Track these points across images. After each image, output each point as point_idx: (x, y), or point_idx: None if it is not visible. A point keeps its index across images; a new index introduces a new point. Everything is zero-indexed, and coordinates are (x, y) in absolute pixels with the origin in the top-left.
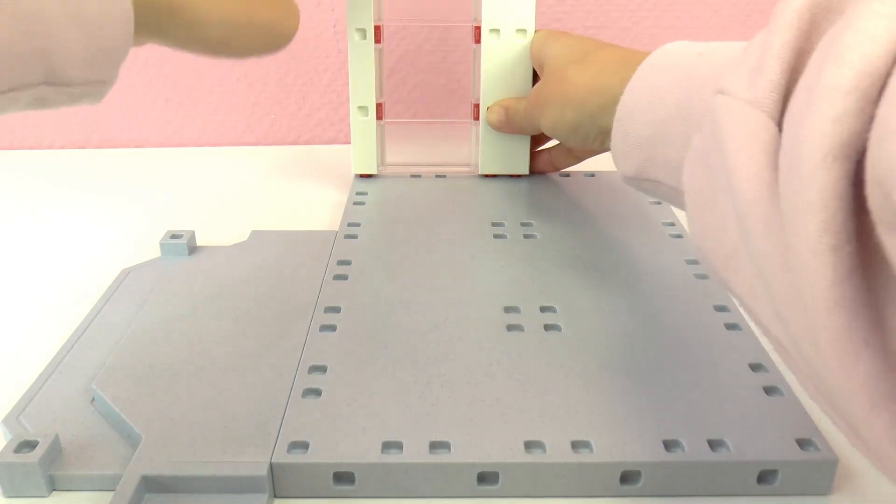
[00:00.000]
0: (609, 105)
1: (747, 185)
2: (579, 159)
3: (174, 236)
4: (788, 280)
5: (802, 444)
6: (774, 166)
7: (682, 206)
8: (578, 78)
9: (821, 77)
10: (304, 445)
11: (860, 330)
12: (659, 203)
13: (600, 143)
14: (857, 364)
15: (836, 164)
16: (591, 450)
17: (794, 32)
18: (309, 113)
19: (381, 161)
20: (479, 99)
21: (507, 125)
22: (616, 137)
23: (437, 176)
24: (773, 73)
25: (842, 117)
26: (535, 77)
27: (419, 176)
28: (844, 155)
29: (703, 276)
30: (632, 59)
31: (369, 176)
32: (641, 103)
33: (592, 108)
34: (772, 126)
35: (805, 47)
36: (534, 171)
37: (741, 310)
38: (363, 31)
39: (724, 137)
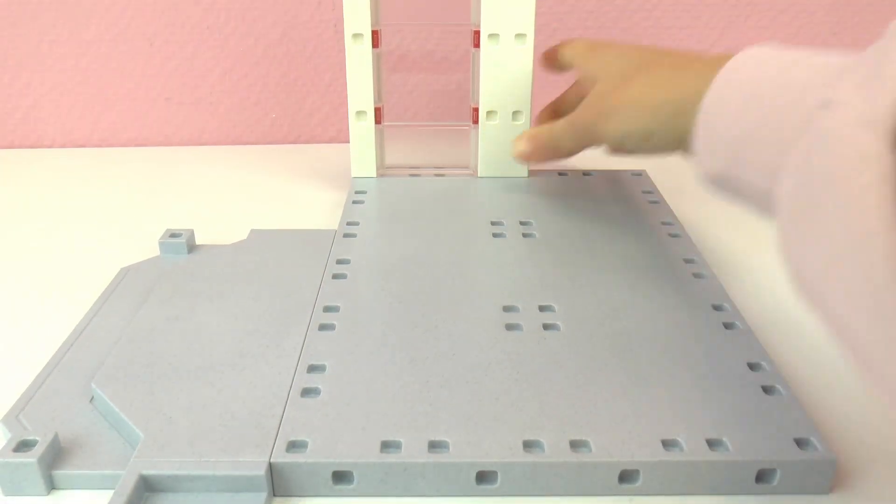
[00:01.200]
0: (688, 107)
1: (864, 216)
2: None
3: (173, 235)
4: None
5: (801, 443)
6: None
7: (764, 210)
8: (649, 83)
9: None
10: (303, 445)
11: None
12: (657, 202)
13: (673, 147)
14: None
15: None
16: (590, 449)
17: None
18: (309, 112)
19: (381, 164)
20: (478, 103)
21: (539, 152)
22: (701, 134)
23: (436, 175)
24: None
25: None
26: (539, 86)
27: (418, 175)
28: None
29: (701, 276)
30: (708, 62)
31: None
32: (732, 103)
33: (668, 112)
34: (888, 153)
35: None
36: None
37: (740, 310)
38: (360, 36)
39: (835, 162)
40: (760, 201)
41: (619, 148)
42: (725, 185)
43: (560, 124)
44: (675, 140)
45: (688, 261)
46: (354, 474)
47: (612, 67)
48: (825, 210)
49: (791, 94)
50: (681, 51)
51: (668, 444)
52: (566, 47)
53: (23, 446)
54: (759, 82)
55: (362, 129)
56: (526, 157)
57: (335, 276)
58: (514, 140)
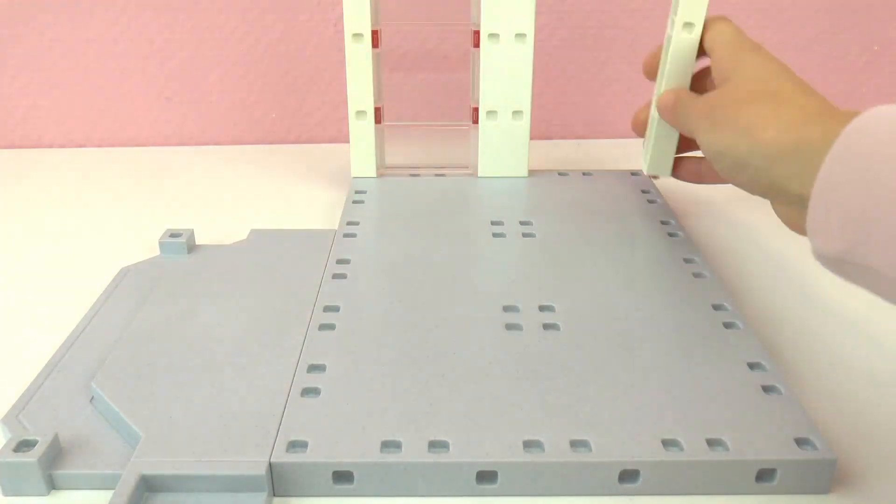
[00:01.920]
0: (801, 159)
1: None
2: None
3: (173, 235)
4: None
5: (801, 443)
6: None
7: (893, 297)
8: (768, 118)
9: None
10: (303, 444)
11: None
12: (656, 202)
13: (763, 192)
14: None
15: None
16: (590, 449)
17: None
18: (309, 112)
19: (381, 164)
20: (478, 102)
21: (671, 113)
22: (816, 210)
23: (436, 175)
24: None
25: None
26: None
27: (418, 175)
28: None
29: (701, 275)
30: (835, 115)
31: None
32: (853, 175)
33: (773, 156)
34: None
35: None
36: (691, 181)
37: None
38: (360, 36)
39: None
40: (889, 291)
41: (710, 160)
42: (843, 270)
43: (689, 105)
44: (772, 188)
45: (688, 261)
46: (354, 474)
47: (748, 74)
48: None
49: None
50: (817, 93)
51: (668, 443)
52: (711, 30)
53: (23, 446)
54: (885, 149)
55: (362, 129)
56: (660, 110)
57: (335, 276)
58: (667, 90)
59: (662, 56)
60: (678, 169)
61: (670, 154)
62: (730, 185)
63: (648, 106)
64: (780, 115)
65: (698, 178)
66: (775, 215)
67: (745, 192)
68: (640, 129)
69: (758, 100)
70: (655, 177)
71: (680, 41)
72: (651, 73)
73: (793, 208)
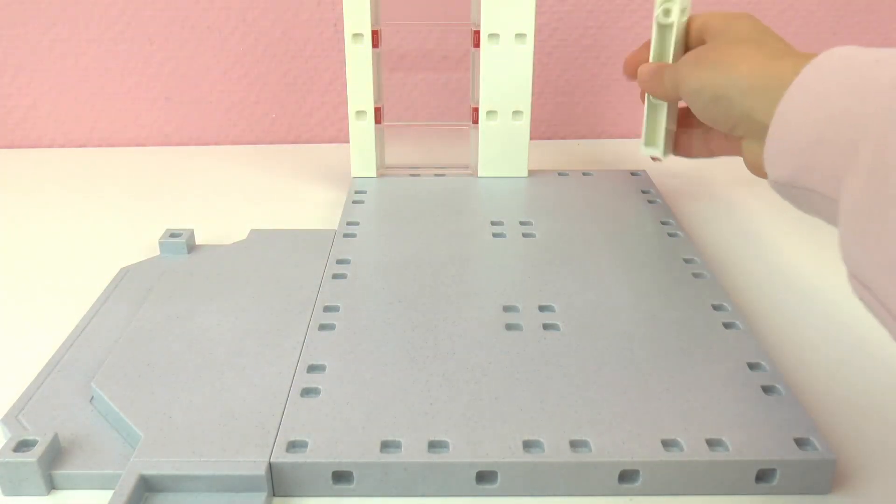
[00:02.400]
0: (768, 92)
1: None
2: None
3: (173, 235)
4: None
5: (800, 443)
6: None
7: (832, 219)
8: (750, 53)
9: None
10: (302, 444)
11: None
12: (656, 202)
13: (732, 125)
14: None
15: None
16: (590, 449)
17: None
18: (309, 112)
19: (381, 164)
20: (478, 103)
21: (655, 79)
22: (774, 137)
23: (436, 175)
24: None
25: None
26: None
27: (418, 175)
28: None
29: (701, 275)
30: (805, 56)
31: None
32: (805, 104)
33: (744, 88)
34: None
35: None
36: (682, 154)
37: (738, 311)
38: (360, 36)
39: None
40: (827, 210)
41: (691, 103)
42: (790, 193)
43: (668, 66)
44: (742, 120)
45: (688, 261)
46: (354, 474)
47: (739, 29)
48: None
49: (866, 95)
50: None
51: (667, 443)
52: (705, 14)
53: (23, 446)
54: (835, 82)
55: (362, 129)
56: (642, 80)
57: (335, 276)
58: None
59: (653, 44)
60: (682, 145)
61: (661, 130)
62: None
63: (644, 48)
64: (756, 53)
65: (688, 151)
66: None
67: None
68: (630, 70)
69: (742, 43)
70: (656, 158)
71: (666, 25)
72: (632, 71)
73: (759, 143)
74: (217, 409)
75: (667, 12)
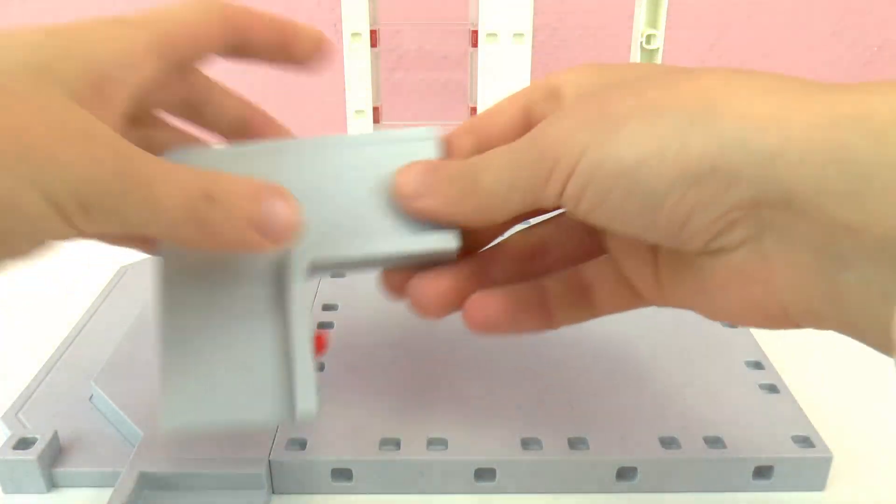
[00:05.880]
0: (827, 163)
1: None
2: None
3: None
4: None
5: (798, 440)
6: None
7: None
8: (733, 86)
9: None
10: (302, 442)
11: None
12: None
13: (704, 232)
14: None
15: None
16: (588, 447)
17: None
18: (309, 112)
19: None
20: (476, 102)
21: (440, 196)
22: None
23: None
24: None
25: None
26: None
27: None
28: None
29: None
30: (829, 88)
31: None
32: None
33: (773, 151)
34: None
35: None
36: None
37: None
38: (359, 35)
39: None
40: None
41: (618, 193)
42: None
43: (495, 151)
44: (727, 223)
45: None
46: (353, 471)
47: (640, 71)
48: None
49: None
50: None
51: (665, 441)
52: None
53: (22, 444)
54: None
55: (361, 129)
56: (412, 200)
57: (333, 275)
58: (455, 131)
59: None
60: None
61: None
62: None
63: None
64: (750, 82)
65: (545, 322)
66: None
67: None
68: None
69: (679, 72)
70: None
71: None
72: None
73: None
74: None
75: None
